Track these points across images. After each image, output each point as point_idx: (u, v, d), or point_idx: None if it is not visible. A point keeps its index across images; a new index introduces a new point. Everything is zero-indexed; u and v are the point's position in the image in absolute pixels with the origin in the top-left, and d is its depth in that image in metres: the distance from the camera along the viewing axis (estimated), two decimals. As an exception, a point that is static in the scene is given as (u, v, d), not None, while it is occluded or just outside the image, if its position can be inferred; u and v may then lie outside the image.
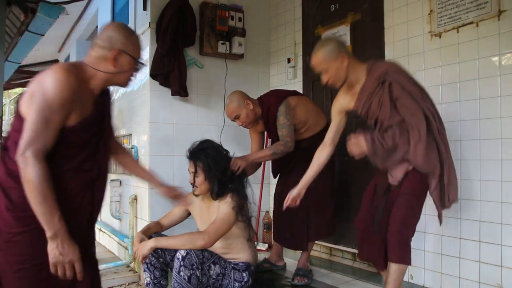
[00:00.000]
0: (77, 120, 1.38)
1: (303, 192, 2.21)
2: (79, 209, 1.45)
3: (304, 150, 2.66)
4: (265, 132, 2.86)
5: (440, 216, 1.98)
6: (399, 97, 1.87)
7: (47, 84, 1.30)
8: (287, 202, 2.20)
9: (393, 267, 1.91)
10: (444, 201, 1.93)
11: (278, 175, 2.90)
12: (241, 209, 2.18)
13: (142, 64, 1.55)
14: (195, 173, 2.22)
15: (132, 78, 1.55)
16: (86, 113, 1.41)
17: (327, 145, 2.18)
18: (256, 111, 2.65)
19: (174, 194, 2.04)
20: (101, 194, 1.55)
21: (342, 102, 2.09)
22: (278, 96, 2.61)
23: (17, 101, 1.43)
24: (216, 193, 2.21)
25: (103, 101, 1.52)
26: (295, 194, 2.20)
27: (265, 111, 2.63)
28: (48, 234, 1.30)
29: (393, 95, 1.88)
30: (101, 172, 1.52)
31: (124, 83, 1.54)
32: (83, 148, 1.43)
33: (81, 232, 1.46)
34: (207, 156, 2.20)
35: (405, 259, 1.91)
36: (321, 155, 2.19)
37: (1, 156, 1.40)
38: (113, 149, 1.72)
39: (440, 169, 1.90)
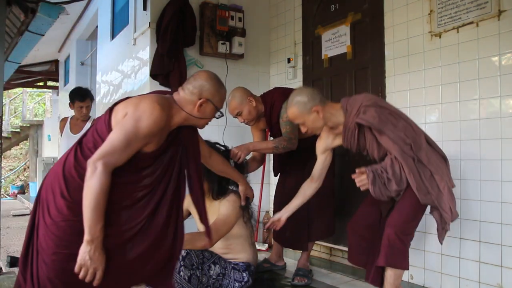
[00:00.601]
0: (152, 149, 1.51)
1: (284, 219, 2.22)
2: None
3: (304, 150, 2.65)
4: (266, 130, 2.85)
5: (440, 237, 1.97)
6: (378, 134, 1.89)
7: (143, 114, 1.44)
8: (267, 225, 2.27)
9: (389, 271, 1.91)
10: (444, 225, 1.93)
11: (279, 174, 2.89)
12: (246, 207, 2.20)
13: (222, 114, 1.69)
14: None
15: (205, 125, 1.69)
16: (161, 142, 1.54)
17: (314, 181, 2.22)
18: (259, 108, 2.63)
19: (250, 194, 2.27)
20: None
21: (326, 142, 2.14)
22: (282, 94, 2.59)
23: (110, 109, 1.55)
24: (217, 193, 2.21)
25: (178, 132, 1.62)
26: (275, 218, 2.23)
27: (269, 108, 2.61)
28: (86, 237, 1.37)
29: (373, 132, 1.91)
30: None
31: (201, 127, 1.69)
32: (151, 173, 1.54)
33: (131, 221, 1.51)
34: None
35: (402, 263, 1.91)
36: (308, 189, 2.23)
37: (76, 149, 1.52)
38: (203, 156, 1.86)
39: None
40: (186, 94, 1.60)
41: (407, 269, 1.94)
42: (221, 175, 2.11)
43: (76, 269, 1.39)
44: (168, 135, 1.57)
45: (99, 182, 1.36)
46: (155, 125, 1.45)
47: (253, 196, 2.32)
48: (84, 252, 1.38)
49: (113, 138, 1.42)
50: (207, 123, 1.68)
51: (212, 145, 2.30)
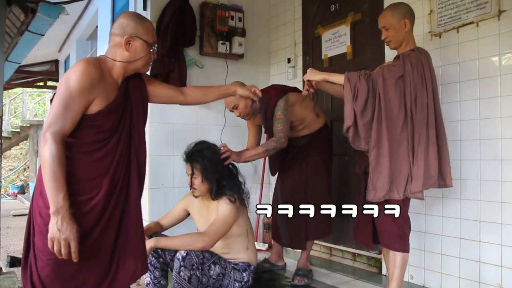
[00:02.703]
0: (103, 105, 1.49)
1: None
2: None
3: (300, 148, 2.65)
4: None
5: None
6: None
7: (69, 74, 1.45)
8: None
9: (397, 256, 2.03)
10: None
11: (277, 173, 2.89)
12: (243, 204, 2.20)
13: (156, 47, 1.61)
14: (192, 175, 2.21)
15: (149, 65, 1.64)
16: (111, 99, 1.52)
17: None
18: (256, 103, 2.63)
19: (253, 92, 2.04)
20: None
21: None
22: (278, 91, 2.59)
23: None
24: (215, 193, 2.21)
25: (128, 87, 1.62)
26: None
27: (264, 105, 2.60)
28: (51, 209, 1.36)
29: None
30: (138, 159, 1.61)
31: (142, 68, 1.63)
32: (114, 133, 1.54)
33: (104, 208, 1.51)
34: (203, 158, 2.19)
35: (404, 248, 2.04)
36: None
37: None
38: (174, 99, 1.85)
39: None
40: (112, 41, 1.57)
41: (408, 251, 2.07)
42: (215, 99, 2.00)
43: (49, 245, 1.37)
44: (119, 90, 1.57)
45: (49, 151, 1.36)
46: (83, 79, 1.43)
47: (256, 93, 2.07)
48: (52, 225, 1.36)
49: (52, 107, 1.44)
50: (147, 63, 1.62)
51: (212, 147, 2.28)
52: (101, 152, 1.51)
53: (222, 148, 2.31)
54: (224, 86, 2.24)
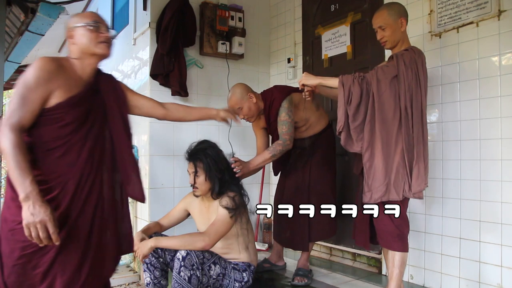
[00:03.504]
0: (63, 98, 1.49)
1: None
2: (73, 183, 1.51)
3: (303, 149, 2.65)
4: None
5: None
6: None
7: (26, 71, 1.47)
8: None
9: (396, 256, 2.03)
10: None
11: (279, 173, 2.89)
12: (240, 207, 2.19)
13: (95, 23, 1.59)
14: (195, 174, 2.22)
15: (102, 44, 1.60)
16: (73, 93, 1.53)
17: None
18: (259, 105, 2.61)
19: (234, 117, 2.22)
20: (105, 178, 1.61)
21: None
22: (282, 92, 2.58)
23: None
24: (217, 193, 2.21)
25: (98, 84, 1.63)
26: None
27: (268, 106, 2.59)
28: (21, 196, 1.35)
29: None
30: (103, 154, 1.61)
31: (99, 50, 1.60)
32: (79, 127, 1.53)
33: (77, 198, 1.52)
34: (206, 156, 2.20)
35: (403, 247, 2.03)
36: None
37: None
38: (154, 111, 1.91)
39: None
40: (68, 44, 1.62)
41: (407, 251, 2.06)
42: (196, 119, 2.09)
43: (26, 233, 1.35)
44: (86, 85, 1.58)
45: (9, 141, 1.37)
46: (40, 71, 1.45)
47: (238, 119, 2.30)
48: (25, 212, 1.35)
49: (10, 102, 1.46)
50: (97, 42, 1.59)
51: (215, 146, 2.29)
52: (63, 149, 1.50)
53: (233, 161, 2.33)
54: (207, 108, 2.29)
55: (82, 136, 1.54)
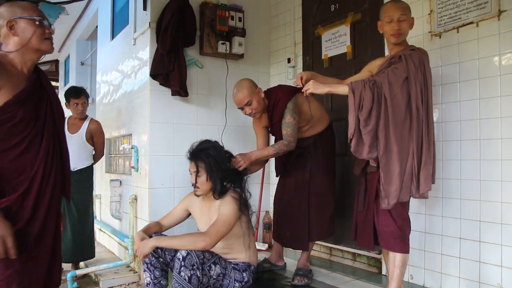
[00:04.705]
0: (10, 96, 1.45)
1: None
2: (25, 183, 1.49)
3: (304, 149, 2.64)
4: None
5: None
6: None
7: None
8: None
9: (397, 256, 2.02)
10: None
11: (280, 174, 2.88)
12: (245, 204, 2.20)
13: (42, 17, 1.54)
14: (197, 173, 2.21)
15: (48, 41, 1.57)
16: (19, 89, 1.48)
17: None
18: (265, 101, 2.60)
19: None
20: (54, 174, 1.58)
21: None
22: (287, 92, 2.55)
23: None
24: (219, 193, 2.21)
25: (40, 77, 1.59)
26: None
27: (272, 106, 2.56)
28: None
29: None
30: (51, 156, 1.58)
31: (42, 46, 1.56)
32: (32, 124, 1.50)
33: (23, 210, 1.49)
34: (208, 156, 2.20)
35: (404, 249, 2.03)
36: None
37: None
38: None
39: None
40: (1, 36, 1.54)
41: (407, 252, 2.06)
42: None
43: None
44: (29, 80, 1.53)
45: None
46: None
47: None
48: None
49: None
50: (42, 39, 1.55)
51: (216, 146, 2.29)
52: (21, 147, 1.48)
53: (235, 159, 2.35)
54: None
55: (38, 131, 1.52)
